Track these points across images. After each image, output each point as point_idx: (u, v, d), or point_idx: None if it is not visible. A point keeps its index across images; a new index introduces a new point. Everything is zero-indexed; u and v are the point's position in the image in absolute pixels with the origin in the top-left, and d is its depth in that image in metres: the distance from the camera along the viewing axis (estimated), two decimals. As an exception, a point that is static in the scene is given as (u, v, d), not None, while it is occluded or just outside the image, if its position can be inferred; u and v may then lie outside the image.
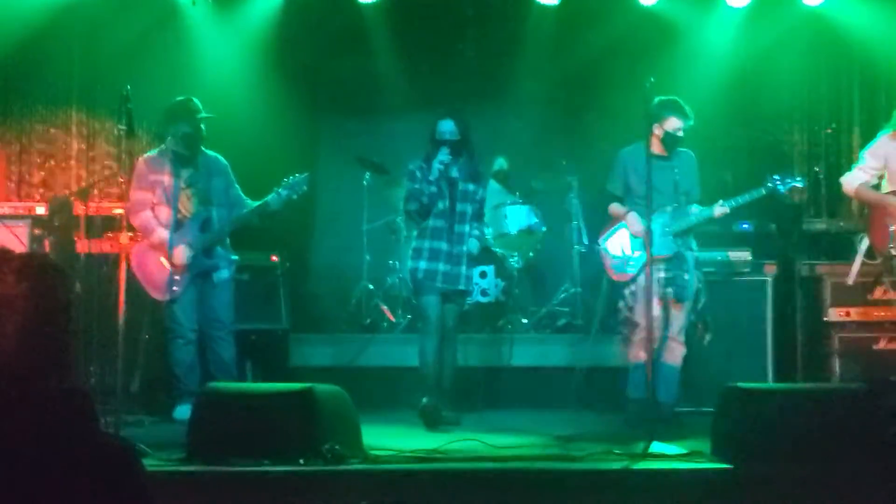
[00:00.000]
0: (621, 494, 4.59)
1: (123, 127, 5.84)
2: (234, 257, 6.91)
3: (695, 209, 6.57)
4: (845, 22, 8.26)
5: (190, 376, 6.63)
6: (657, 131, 6.50)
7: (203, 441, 4.85)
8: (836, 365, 7.17)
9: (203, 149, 6.83)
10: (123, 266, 5.68)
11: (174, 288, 6.58)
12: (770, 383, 6.84)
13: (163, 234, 6.59)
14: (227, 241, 6.90)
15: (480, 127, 9.74)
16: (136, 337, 6.67)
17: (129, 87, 5.89)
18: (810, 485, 4.57)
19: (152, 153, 6.82)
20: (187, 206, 6.70)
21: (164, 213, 6.63)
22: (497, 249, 8.22)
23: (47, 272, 2.13)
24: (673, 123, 6.41)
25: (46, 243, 7.19)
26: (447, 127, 6.56)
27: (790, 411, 4.91)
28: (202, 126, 6.72)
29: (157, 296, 6.62)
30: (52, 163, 8.16)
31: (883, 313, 7.16)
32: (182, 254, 6.58)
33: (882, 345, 7.16)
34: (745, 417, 4.88)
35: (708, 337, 6.75)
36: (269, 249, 7.62)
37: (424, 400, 6.36)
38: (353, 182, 8.93)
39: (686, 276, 6.46)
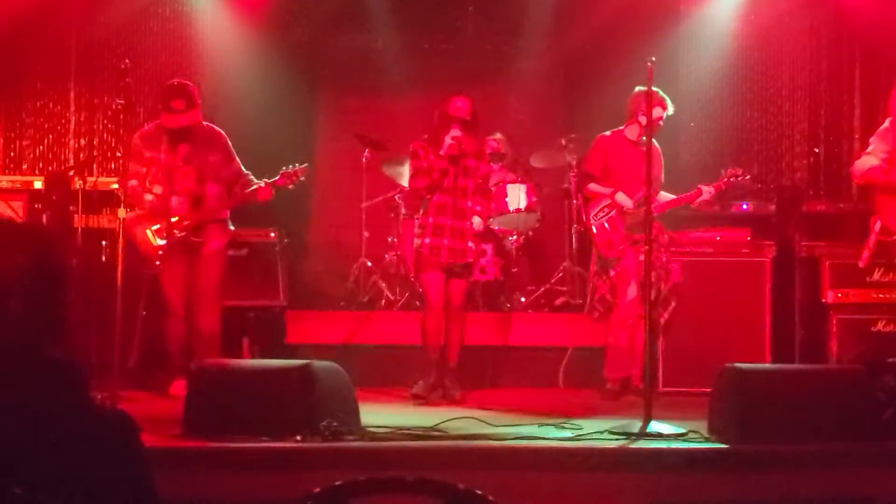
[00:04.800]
0: (618, 473, 4.59)
1: (122, 101, 5.82)
2: (230, 227, 6.78)
3: (663, 196, 6.93)
4: (847, 1, 8.22)
5: (184, 352, 6.56)
6: (641, 119, 6.71)
7: (200, 417, 4.85)
8: (834, 346, 7.18)
9: (202, 122, 6.71)
10: (121, 241, 5.65)
11: (156, 262, 6.48)
12: (768, 364, 6.84)
13: (149, 199, 6.49)
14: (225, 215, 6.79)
15: (480, 105, 9.76)
16: (134, 313, 6.64)
17: (127, 61, 5.86)
18: (806, 466, 4.59)
19: (148, 129, 6.70)
20: (182, 182, 6.57)
21: (159, 189, 6.53)
22: (495, 228, 8.22)
23: (52, 240, 2.15)
24: (657, 113, 6.51)
25: (44, 218, 7.18)
26: (461, 105, 6.62)
27: (787, 392, 4.92)
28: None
29: (145, 268, 6.56)
30: (50, 137, 8.14)
31: (881, 295, 7.16)
32: (163, 231, 6.47)
33: (880, 327, 7.16)
34: (743, 398, 4.88)
35: (665, 316, 7.01)
36: (267, 225, 7.60)
37: (417, 386, 6.60)
38: (351, 159, 8.92)
39: (662, 259, 6.86)
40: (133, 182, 6.49)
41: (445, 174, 6.54)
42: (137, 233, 6.48)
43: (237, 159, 6.80)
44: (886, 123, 6.72)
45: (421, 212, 6.71)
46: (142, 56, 8.06)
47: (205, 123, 6.73)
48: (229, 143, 6.79)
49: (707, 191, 6.91)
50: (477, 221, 6.65)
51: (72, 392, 2.05)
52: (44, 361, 2.04)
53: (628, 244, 6.87)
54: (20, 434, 1.95)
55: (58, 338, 2.10)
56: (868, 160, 6.65)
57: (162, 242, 6.47)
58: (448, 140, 6.48)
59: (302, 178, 6.71)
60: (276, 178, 6.62)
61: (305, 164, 6.72)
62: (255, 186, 6.63)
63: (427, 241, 6.56)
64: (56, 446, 1.96)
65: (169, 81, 6.79)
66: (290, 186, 6.69)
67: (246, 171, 6.78)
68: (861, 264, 6.83)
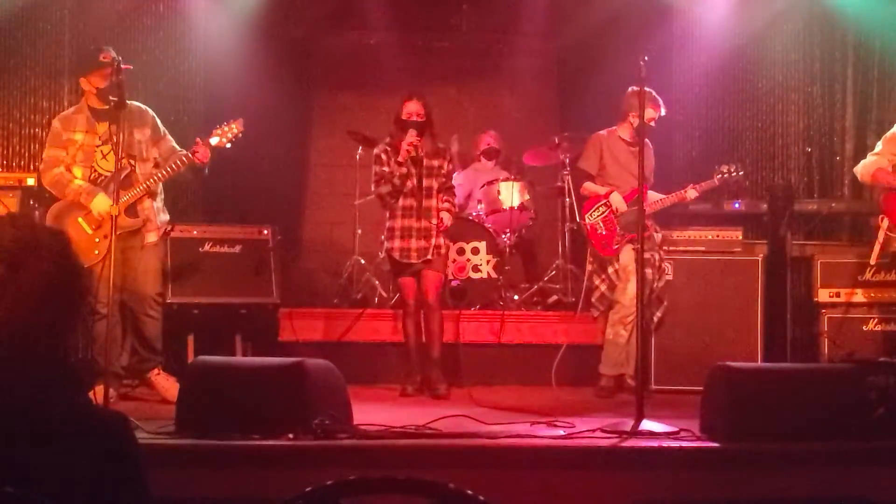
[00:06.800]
0: (610, 471, 4.60)
1: (114, 99, 5.79)
2: (165, 217, 6.46)
3: (651, 195, 6.97)
4: (840, 1, 8.24)
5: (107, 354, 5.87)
6: (632, 119, 6.86)
7: (192, 415, 4.84)
8: (825, 345, 7.20)
9: (127, 101, 6.14)
10: (112, 237, 5.63)
11: (95, 251, 6.03)
12: (759, 363, 6.86)
13: (77, 184, 6.12)
14: (160, 201, 6.44)
15: (474, 103, 9.79)
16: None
17: (120, 58, 5.84)
18: (798, 464, 4.60)
19: (68, 112, 6.42)
20: (102, 164, 6.23)
21: (80, 172, 6.20)
22: (488, 225, 8.23)
23: (70, 244, 2.19)
24: (649, 114, 6.57)
25: (36, 215, 7.16)
26: (414, 108, 6.78)
27: (779, 391, 4.92)
28: (118, 77, 5.92)
29: (86, 262, 5.99)
30: (43, 134, 8.10)
31: (873, 294, 7.20)
32: (103, 202, 6.07)
33: (872, 325, 7.19)
34: (734, 397, 4.88)
35: (658, 314, 7.07)
36: (260, 223, 7.59)
37: (407, 388, 6.80)
38: (345, 156, 8.93)
39: (656, 256, 6.96)
40: (59, 170, 6.20)
41: (407, 178, 6.71)
42: (67, 222, 6.12)
43: (169, 137, 6.45)
44: (895, 129, 6.76)
45: (387, 215, 6.87)
46: (135, 52, 8.02)
47: (130, 102, 6.22)
48: (158, 120, 6.45)
49: (691, 192, 6.96)
50: (446, 217, 6.79)
51: (69, 392, 2.06)
52: (41, 362, 2.05)
53: (623, 243, 6.91)
54: (16, 433, 1.95)
55: (58, 342, 2.11)
56: (877, 161, 6.69)
57: (96, 230, 6.10)
58: (404, 146, 6.66)
59: (239, 133, 6.29)
60: (214, 137, 6.26)
61: (240, 118, 6.34)
62: (185, 152, 6.23)
63: (396, 244, 6.76)
64: (53, 445, 1.96)
65: (90, 49, 6.45)
66: (228, 145, 6.29)
67: (180, 149, 6.38)
68: (872, 261, 6.87)
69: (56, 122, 6.39)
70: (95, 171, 6.25)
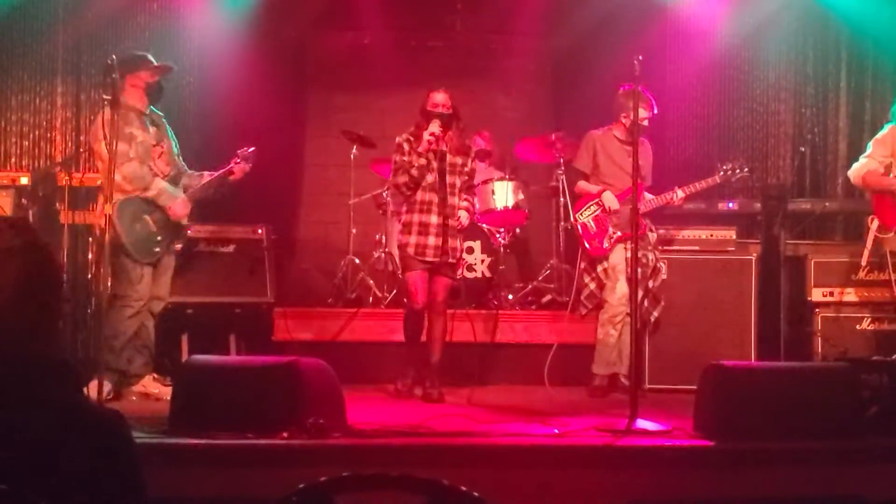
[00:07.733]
0: (604, 470, 4.60)
1: (108, 97, 5.79)
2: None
3: (648, 196, 6.96)
4: (833, 2, 8.25)
5: (123, 351, 6.16)
6: (624, 119, 6.92)
7: (186, 414, 4.84)
8: (819, 344, 7.21)
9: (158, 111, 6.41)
10: (107, 237, 5.62)
11: (156, 249, 6.17)
12: (753, 362, 6.87)
13: (161, 184, 6.17)
14: None
15: (468, 103, 9.78)
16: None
17: (114, 57, 5.84)
18: (791, 463, 4.60)
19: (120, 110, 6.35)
20: (159, 164, 6.28)
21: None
22: (483, 225, 8.23)
23: (42, 242, 2.18)
24: (641, 114, 6.57)
25: (30, 214, 7.16)
26: (441, 99, 6.50)
27: (772, 390, 4.93)
28: (160, 77, 6.29)
29: (145, 258, 6.15)
30: (37, 133, 8.10)
31: (866, 293, 7.21)
32: (183, 206, 6.24)
33: (865, 325, 7.20)
34: (728, 395, 4.90)
35: (655, 314, 7.06)
36: (254, 222, 7.58)
37: (400, 384, 6.70)
38: (339, 156, 8.92)
39: (650, 255, 6.94)
40: (136, 163, 6.13)
41: (427, 171, 6.41)
42: (135, 219, 6.10)
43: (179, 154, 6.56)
44: (885, 129, 6.78)
45: (405, 209, 6.60)
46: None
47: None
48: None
49: (679, 193, 6.96)
50: (464, 216, 6.55)
51: (65, 390, 2.06)
52: (37, 360, 2.05)
53: (614, 242, 6.92)
54: (12, 431, 1.95)
55: (48, 336, 2.11)
56: (867, 164, 6.73)
57: (159, 229, 6.21)
58: (426, 136, 6.36)
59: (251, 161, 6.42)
60: (241, 159, 6.38)
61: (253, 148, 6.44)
62: (230, 166, 6.37)
63: (412, 239, 6.44)
64: (49, 443, 1.96)
65: (138, 53, 6.44)
66: (249, 167, 6.41)
67: (188, 169, 6.53)
68: (863, 262, 6.89)
69: (111, 114, 6.01)
70: (152, 170, 6.22)
